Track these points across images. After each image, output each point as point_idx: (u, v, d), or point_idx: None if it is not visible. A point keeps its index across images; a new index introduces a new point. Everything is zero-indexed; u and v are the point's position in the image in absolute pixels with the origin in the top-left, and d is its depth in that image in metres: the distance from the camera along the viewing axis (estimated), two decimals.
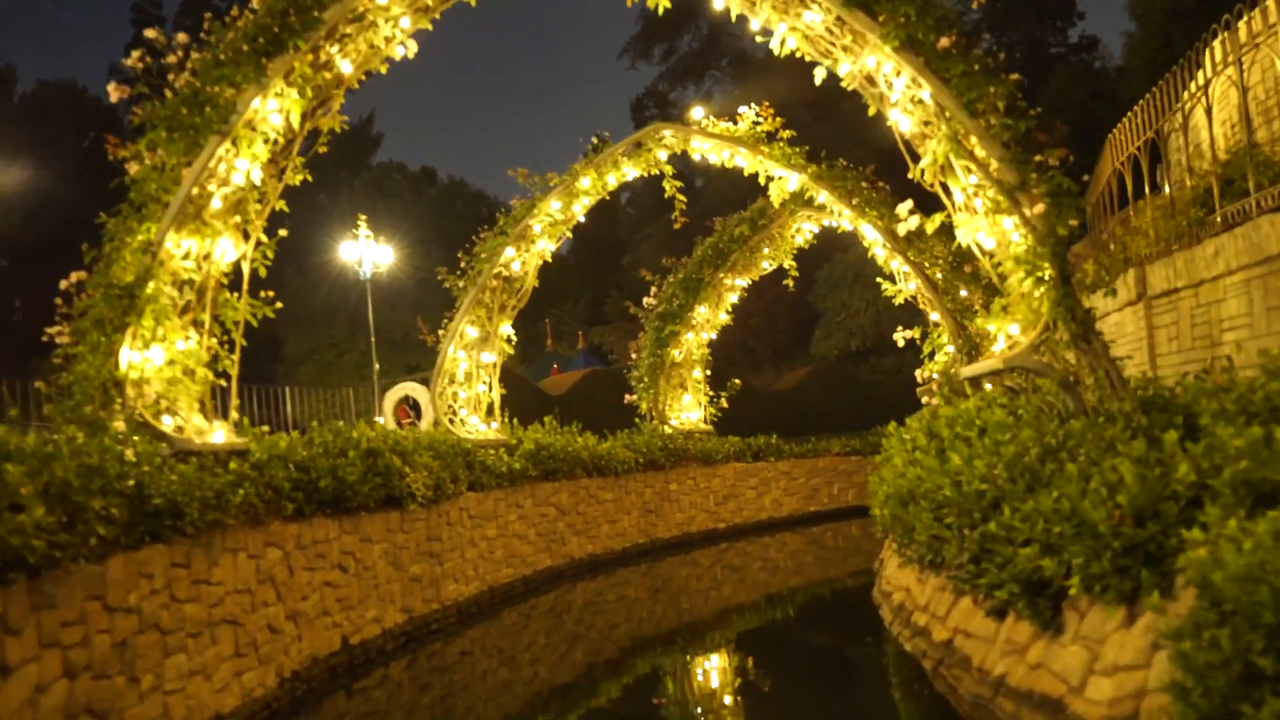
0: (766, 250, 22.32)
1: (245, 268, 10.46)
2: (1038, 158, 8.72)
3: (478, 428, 17.16)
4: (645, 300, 23.46)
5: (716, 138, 15.78)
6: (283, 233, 10.62)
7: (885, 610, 11.35)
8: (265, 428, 11.63)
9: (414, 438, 14.35)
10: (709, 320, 23.77)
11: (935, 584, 9.43)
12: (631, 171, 16.82)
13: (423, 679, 11.55)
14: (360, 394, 27.25)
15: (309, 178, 10.59)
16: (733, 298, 23.94)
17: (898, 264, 15.60)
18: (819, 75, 10.22)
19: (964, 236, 9.46)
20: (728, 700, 10.10)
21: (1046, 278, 8.40)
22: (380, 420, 23.08)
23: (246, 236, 10.41)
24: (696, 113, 16.16)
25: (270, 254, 10.53)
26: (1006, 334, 9.11)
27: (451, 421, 16.88)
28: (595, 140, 16.63)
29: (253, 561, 9.75)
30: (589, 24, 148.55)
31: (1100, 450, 6.94)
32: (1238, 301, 9.14)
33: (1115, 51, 62.96)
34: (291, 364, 54.23)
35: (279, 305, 10.80)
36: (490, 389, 17.54)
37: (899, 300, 16.59)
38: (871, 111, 10.14)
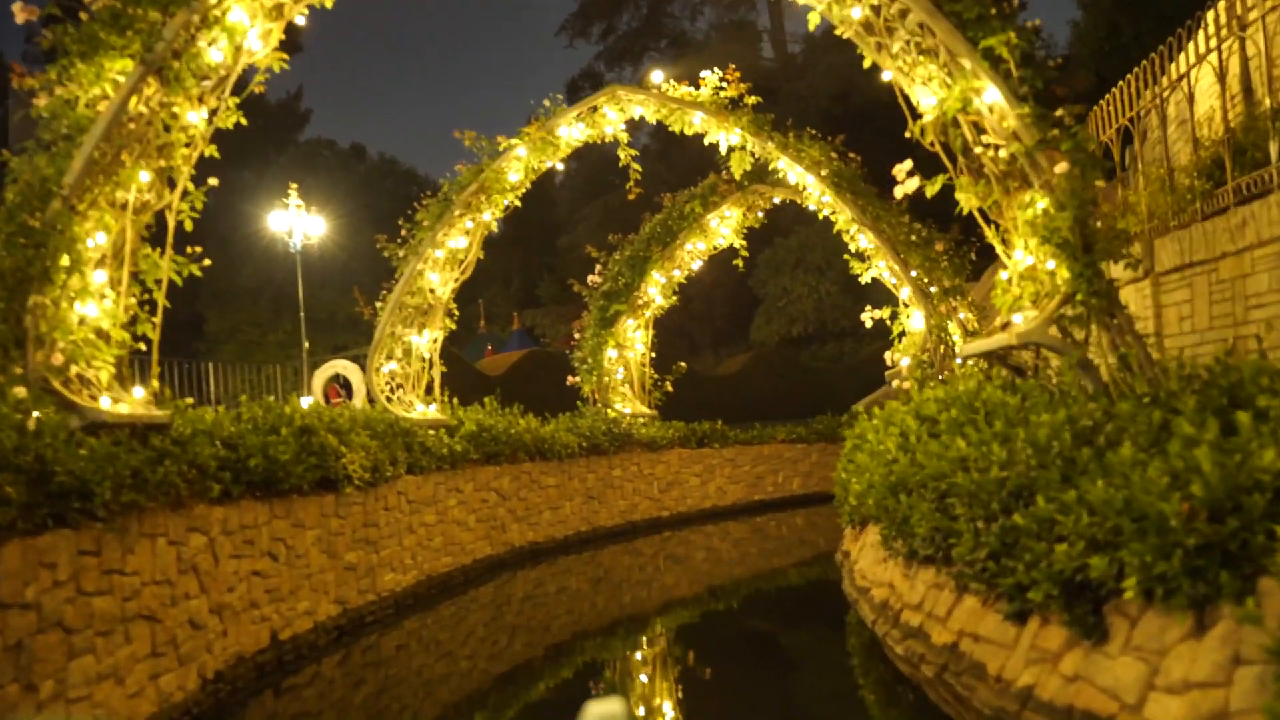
0: (718, 224, 21.45)
1: (170, 220, 9.33)
2: (1059, 112, 7.92)
3: (417, 407, 16.12)
4: (589, 278, 22.53)
5: (678, 102, 14.86)
6: (213, 181, 9.47)
7: (865, 608, 10.54)
8: (190, 399, 10.54)
9: (350, 416, 13.31)
10: (655, 300, 22.88)
11: (928, 580, 8.64)
12: (584, 135, 15.82)
13: (357, 674, 10.53)
14: (288, 372, 26.00)
15: (243, 121, 9.45)
16: (678, 275, 23.08)
17: (867, 240, 14.78)
18: (813, 21, 9.34)
19: (967, 202, 8.65)
20: (683, 697, 9.28)
21: (1066, 244, 7.61)
22: (308, 401, 21.93)
23: (172, 185, 9.28)
24: (656, 76, 15.21)
25: (199, 204, 9.39)
26: (1017, 307, 8.32)
27: (389, 400, 15.82)
28: (546, 103, 15.64)
29: (173, 549, 8.67)
30: (524, 2, 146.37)
31: (1150, 435, 6.13)
32: (1270, 276, 8.43)
33: (1060, 41, 62.93)
34: (214, 342, 52.47)
35: (206, 263, 9.67)
36: (430, 366, 16.51)
37: (865, 279, 15.81)
38: (867, 63, 9.28)
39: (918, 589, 8.86)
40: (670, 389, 23.86)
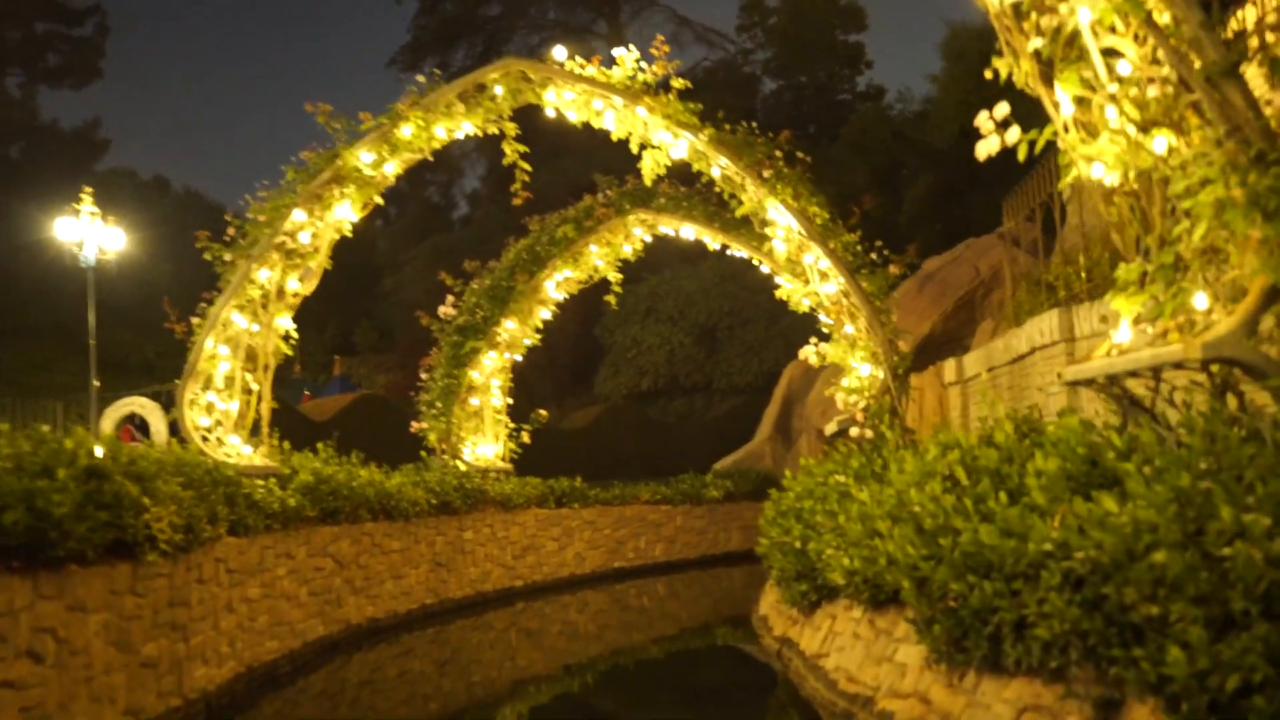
0: (596, 250, 18.81)
1: None
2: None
3: (240, 450, 12.81)
4: (441, 310, 19.49)
5: (588, 82, 12.10)
6: None
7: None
8: None
9: (158, 458, 10.03)
10: (516, 337, 20.01)
11: (1001, 693, 6.05)
12: (466, 125, 12.89)
13: None
14: (71, 409, 21.96)
15: None
16: (545, 313, 20.31)
17: (813, 259, 12.26)
18: None
19: (1115, 163, 6.17)
20: None
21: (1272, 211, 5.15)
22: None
23: None
24: (558, 52, 12.40)
25: None
26: (1150, 314, 5.84)
27: (205, 440, 12.48)
28: (422, 79, 12.72)
29: None
30: (347, 32, 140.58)
31: None
32: None
33: (918, 91, 63.62)
34: None
35: None
36: (259, 399, 13.25)
37: (800, 307, 13.32)
38: None
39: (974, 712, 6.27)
40: (528, 440, 20.93)
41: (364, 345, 51.62)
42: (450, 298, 19.59)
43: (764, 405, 29.94)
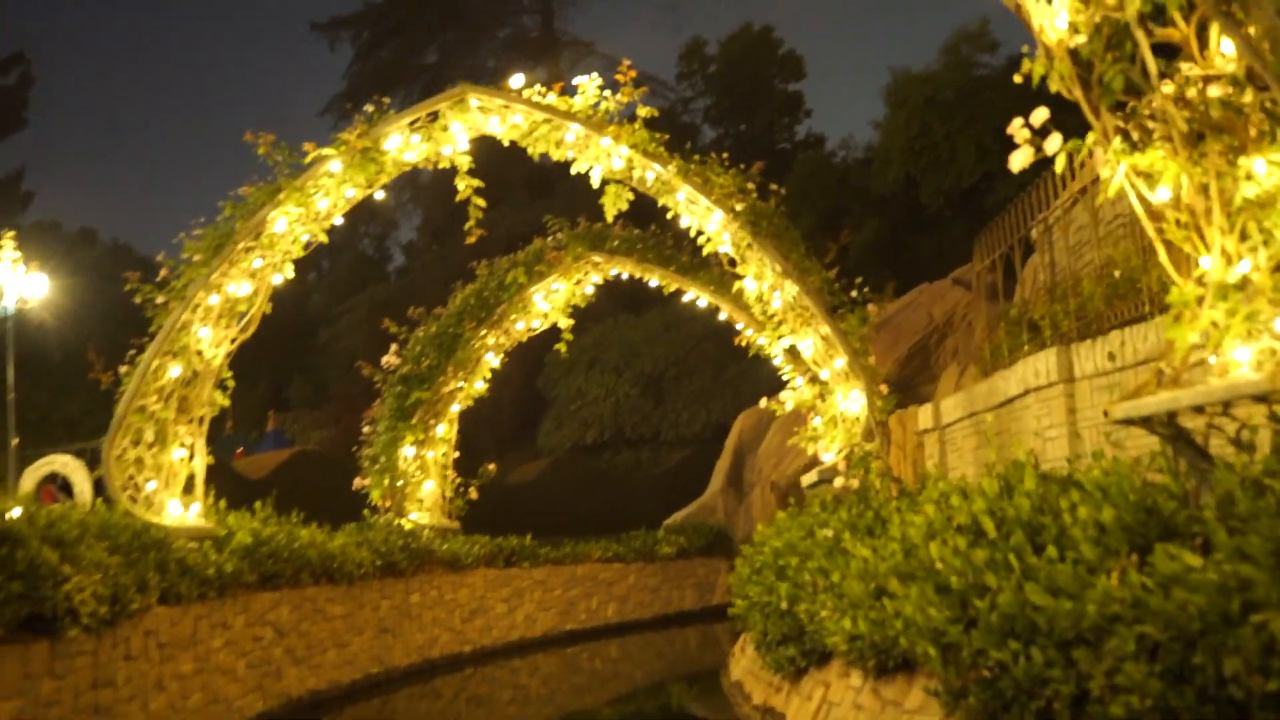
0: (543, 297, 18.06)
1: None
2: None
3: (172, 510, 11.80)
4: (384, 359, 18.58)
5: (548, 111, 11.38)
6: None
7: None
8: None
9: (80, 519, 9.05)
10: (463, 389, 19.15)
11: None
12: (413, 155, 12.09)
13: None
14: None
15: None
16: (494, 360, 19.49)
17: (785, 298, 11.56)
18: None
19: (1117, 176, 5.55)
20: None
21: None
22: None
23: None
24: (515, 80, 11.67)
25: None
26: (1220, 336, 5.19)
27: (134, 499, 11.46)
28: (370, 108, 11.94)
29: None
30: (280, 82, 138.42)
31: None
32: None
33: (860, 138, 64.09)
34: None
35: None
36: (192, 454, 12.26)
37: (774, 350, 12.61)
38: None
39: None
40: (475, 496, 19.97)
41: (298, 400, 50.20)
42: (394, 346, 18.72)
43: (713, 457, 29.19)
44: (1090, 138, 5.62)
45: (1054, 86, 5.68)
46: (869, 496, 10.00)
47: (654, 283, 16.86)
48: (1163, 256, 5.72)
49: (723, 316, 16.86)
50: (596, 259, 17.67)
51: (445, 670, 17.50)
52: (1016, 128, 5.76)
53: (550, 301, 18.58)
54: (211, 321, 11.81)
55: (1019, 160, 5.81)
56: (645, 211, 19.13)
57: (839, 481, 10.84)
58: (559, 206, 43.28)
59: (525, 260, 17.97)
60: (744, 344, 16.45)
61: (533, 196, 46.67)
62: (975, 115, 33.24)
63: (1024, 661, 5.46)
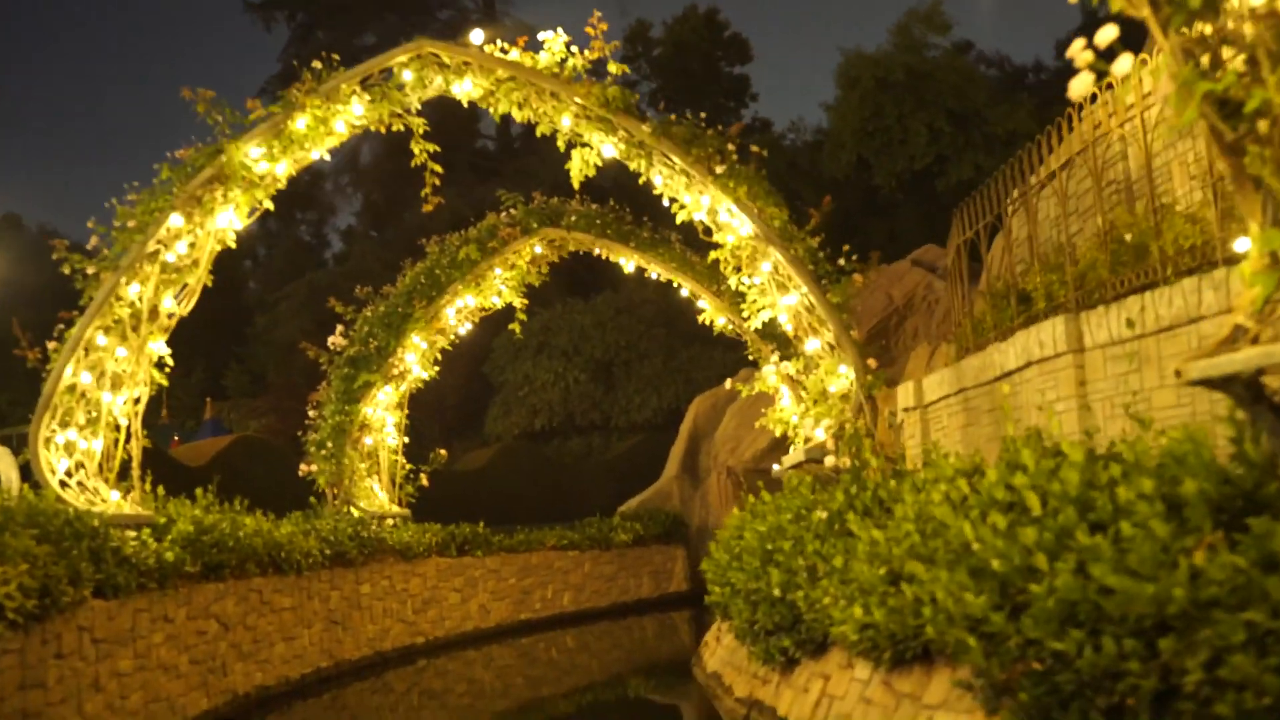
0: (500, 273, 17.27)
1: None
2: None
3: (107, 496, 10.90)
4: (331, 340, 17.72)
5: (511, 67, 10.59)
6: None
7: None
8: None
9: (5, 508, 8.19)
10: (413, 371, 18.32)
11: None
12: (363, 112, 11.24)
13: None
14: None
15: None
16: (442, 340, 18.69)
17: (770, 265, 10.89)
18: None
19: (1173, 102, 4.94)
20: None
21: None
22: None
23: None
24: (475, 36, 10.86)
25: None
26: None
27: (65, 485, 10.55)
28: (318, 64, 11.08)
29: None
30: (211, 65, 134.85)
31: None
32: None
33: (810, 122, 63.87)
34: None
35: None
36: (128, 437, 11.36)
37: (755, 322, 11.94)
38: None
39: None
40: (426, 484, 19.18)
41: (235, 390, 48.92)
42: (340, 327, 17.86)
43: (665, 443, 28.58)
44: (1159, 56, 4.99)
45: (1115, 5, 5.04)
46: (862, 476, 9.36)
47: (627, 263, 16.16)
48: (1238, 198, 5.10)
49: (685, 293, 16.26)
50: (552, 235, 16.99)
51: (398, 663, 16.73)
52: (1077, 50, 5.11)
53: (505, 280, 17.80)
54: (149, 290, 10.89)
55: (1079, 87, 5.16)
56: (600, 190, 18.45)
57: (829, 461, 10.20)
58: (506, 190, 42.59)
59: (478, 236, 17.21)
60: (708, 323, 15.87)
61: (479, 179, 45.74)
62: (927, 97, 32.90)
63: (1090, 652, 4.84)
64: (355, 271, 38.47)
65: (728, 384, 15.57)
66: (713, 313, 15.61)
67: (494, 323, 25.11)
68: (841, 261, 10.75)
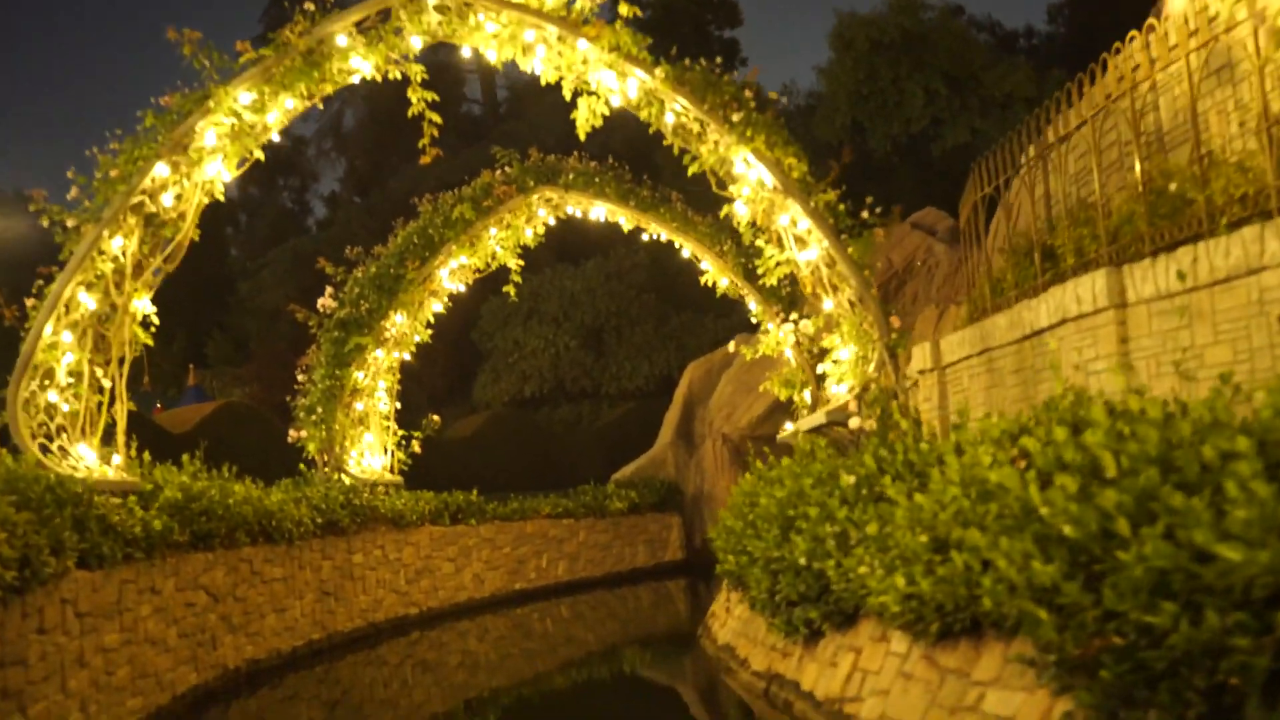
0: (495, 233, 16.73)
1: None
2: None
3: (91, 461, 10.36)
4: (321, 302, 17.14)
5: (517, 9, 10.01)
6: None
7: None
8: None
9: None
10: (406, 334, 17.79)
11: None
12: (364, 64, 10.65)
13: None
14: None
15: None
16: (436, 306, 18.16)
17: (789, 219, 10.36)
18: None
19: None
20: None
21: None
22: None
23: None
24: None
25: None
26: None
27: (45, 450, 10.00)
28: (310, 5, 10.46)
29: None
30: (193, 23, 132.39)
31: None
32: None
33: (803, 85, 63.35)
34: None
35: None
36: (111, 399, 10.82)
37: (772, 280, 11.42)
38: None
39: None
40: (418, 450, 18.68)
41: (218, 358, 48.17)
42: (329, 289, 17.29)
43: (656, 410, 28.11)
44: None
45: None
46: (889, 439, 8.88)
47: (624, 223, 15.62)
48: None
49: (685, 254, 15.75)
50: (549, 194, 16.44)
51: (391, 634, 16.30)
52: None
53: (500, 240, 17.24)
54: (133, 246, 10.31)
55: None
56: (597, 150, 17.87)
57: (854, 423, 9.72)
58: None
59: (472, 195, 16.63)
60: (710, 284, 15.36)
61: (465, 143, 45.01)
62: (923, 60, 32.28)
63: (1187, 626, 4.37)
64: (339, 237, 37.76)
65: (730, 346, 15.11)
66: (715, 274, 15.10)
67: (482, 288, 24.54)
68: (865, 214, 10.23)
